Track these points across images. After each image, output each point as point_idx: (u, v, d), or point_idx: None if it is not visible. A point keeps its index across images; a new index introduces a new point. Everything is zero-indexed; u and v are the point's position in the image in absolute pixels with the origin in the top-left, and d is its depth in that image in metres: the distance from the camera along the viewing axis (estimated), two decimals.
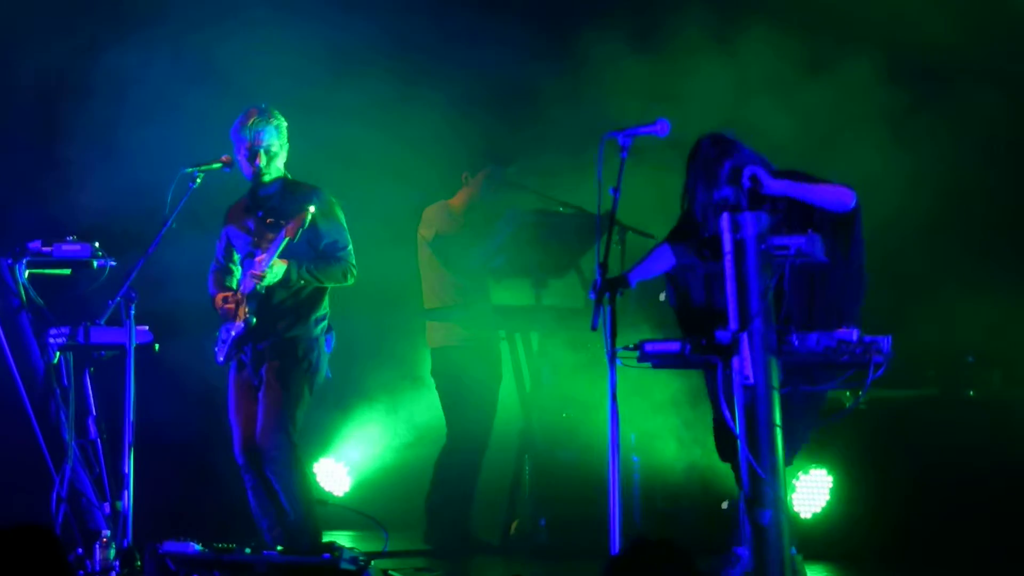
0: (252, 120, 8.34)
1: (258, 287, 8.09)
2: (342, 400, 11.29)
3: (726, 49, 10.32)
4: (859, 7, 10.72)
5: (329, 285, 8.32)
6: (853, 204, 6.90)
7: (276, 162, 8.38)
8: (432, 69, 11.23)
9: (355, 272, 8.39)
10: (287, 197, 8.34)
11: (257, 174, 8.35)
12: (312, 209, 8.07)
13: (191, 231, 8.68)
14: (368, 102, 10.94)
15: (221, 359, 8.41)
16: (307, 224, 8.03)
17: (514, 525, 10.27)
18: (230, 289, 8.46)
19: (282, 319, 8.29)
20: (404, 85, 11.08)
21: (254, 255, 8.30)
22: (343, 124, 10.78)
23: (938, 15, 10.30)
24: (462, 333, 10.14)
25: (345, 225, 8.42)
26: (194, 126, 10.09)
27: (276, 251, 8.05)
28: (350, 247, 8.38)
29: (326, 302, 8.42)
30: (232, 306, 8.30)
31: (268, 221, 8.29)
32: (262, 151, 8.32)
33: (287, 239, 8.01)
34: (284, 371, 8.26)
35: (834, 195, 6.89)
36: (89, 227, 8.78)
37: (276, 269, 8.08)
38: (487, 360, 10.22)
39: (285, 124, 8.43)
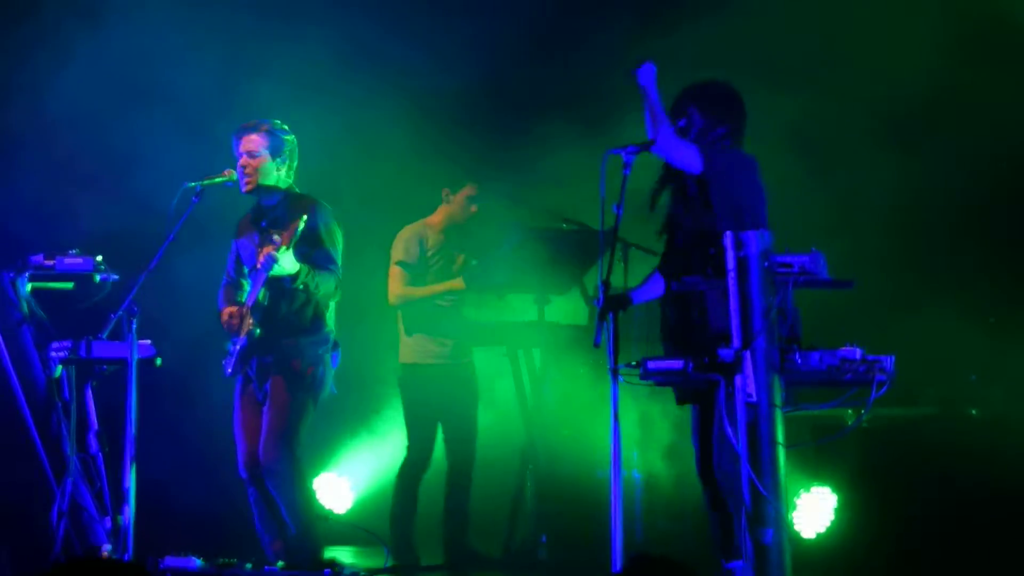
0: (242, 132, 8.41)
1: (268, 269, 8.03)
2: (345, 416, 11.29)
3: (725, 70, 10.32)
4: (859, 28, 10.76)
5: (320, 295, 8.29)
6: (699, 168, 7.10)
7: (271, 172, 8.40)
8: (429, 83, 11.24)
9: (342, 287, 8.42)
10: (289, 209, 8.36)
11: (246, 184, 8.39)
12: (304, 218, 8.06)
13: (195, 245, 8.69)
14: (367, 113, 10.96)
15: (229, 371, 8.41)
16: (299, 233, 8.01)
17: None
18: (237, 303, 8.46)
19: (287, 334, 8.29)
20: (402, 99, 11.10)
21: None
22: (346, 136, 10.79)
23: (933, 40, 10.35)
24: (434, 351, 10.13)
25: (340, 242, 8.43)
26: (198, 139, 10.11)
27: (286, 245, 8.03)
28: (340, 263, 8.40)
29: (330, 318, 8.43)
30: (237, 320, 8.31)
31: (270, 232, 8.30)
32: (246, 154, 8.37)
33: (283, 248, 7.99)
34: (288, 385, 8.27)
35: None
36: (92, 241, 8.78)
37: (288, 261, 8.04)
38: (457, 380, 10.18)
39: (285, 136, 8.45)
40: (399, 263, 10.07)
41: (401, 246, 10.12)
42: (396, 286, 10.07)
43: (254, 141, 8.40)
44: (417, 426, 10.17)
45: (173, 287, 9.34)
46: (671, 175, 7.29)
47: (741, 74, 9.82)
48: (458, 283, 10.08)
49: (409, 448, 10.18)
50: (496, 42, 11.33)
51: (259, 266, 8.07)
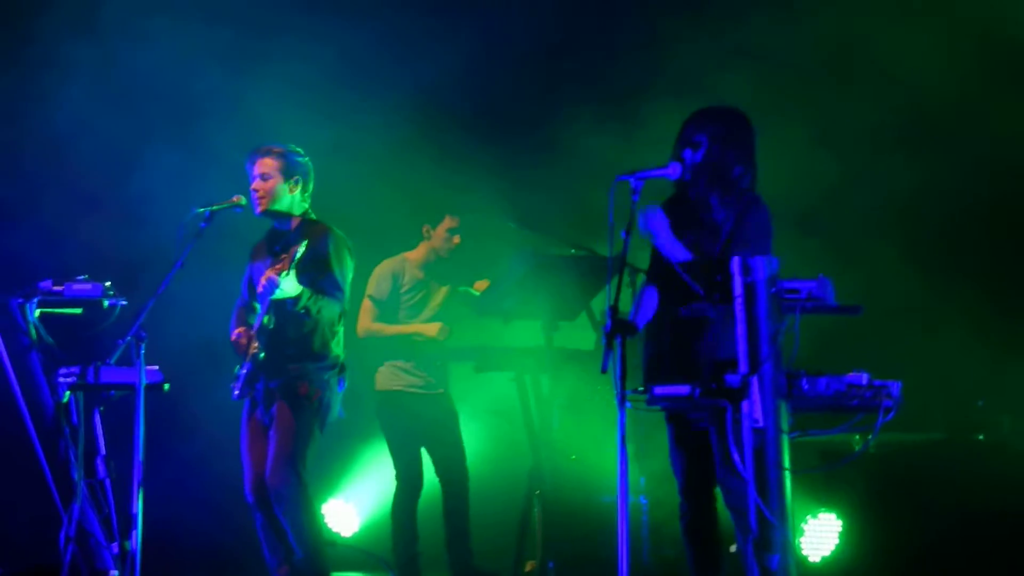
0: (255, 155, 8.42)
1: (270, 293, 8.04)
2: (351, 441, 11.30)
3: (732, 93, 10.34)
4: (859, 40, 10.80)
5: (323, 320, 8.28)
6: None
7: (283, 195, 8.40)
8: (449, 116, 11.28)
9: (345, 314, 8.41)
10: (301, 235, 8.35)
11: (258, 206, 8.40)
12: (305, 243, 8.06)
13: (207, 271, 8.70)
14: (367, 137, 11.00)
15: (236, 395, 8.40)
16: (298, 257, 8.01)
17: (529, 565, 10.23)
18: (247, 325, 8.46)
19: (293, 359, 8.29)
20: (406, 122, 11.13)
21: None
22: (346, 163, 10.81)
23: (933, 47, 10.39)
24: (407, 379, 10.17)
25: (350, 270, 8.43)
26: (208, 164, 10.14)
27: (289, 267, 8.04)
28: (346, 290, 8.40)
29: (337, 343, 8.43)
30: (245, 340, 8.31)
31: (280, 256, 8.31)
32: (261, 181, 8.37)
33: (284, 272, 8.00)
34: (294, 410, 8.26)
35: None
36: (100, 266, 8.79)
37: (289, 284, 8.05)
38: (432, 408, 10.20)
39: (299, 159, 8.45)
40: (370, 297, 10.18)
41: (374, 281, 10.22)
42: (364, 320, 10.19)
43: (267, 164, 8.41)
44: (401, 452, 10.23)
45: (181, 311, 9.35)
46: (688, 204, 7.27)
47: (748, 85, 9.91)
48: (430, 329, 10.12)
49: (398, 476, 10.23)
50: (502, 60, 11.38)
51: (260, 289, 8.09)
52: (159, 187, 10.34)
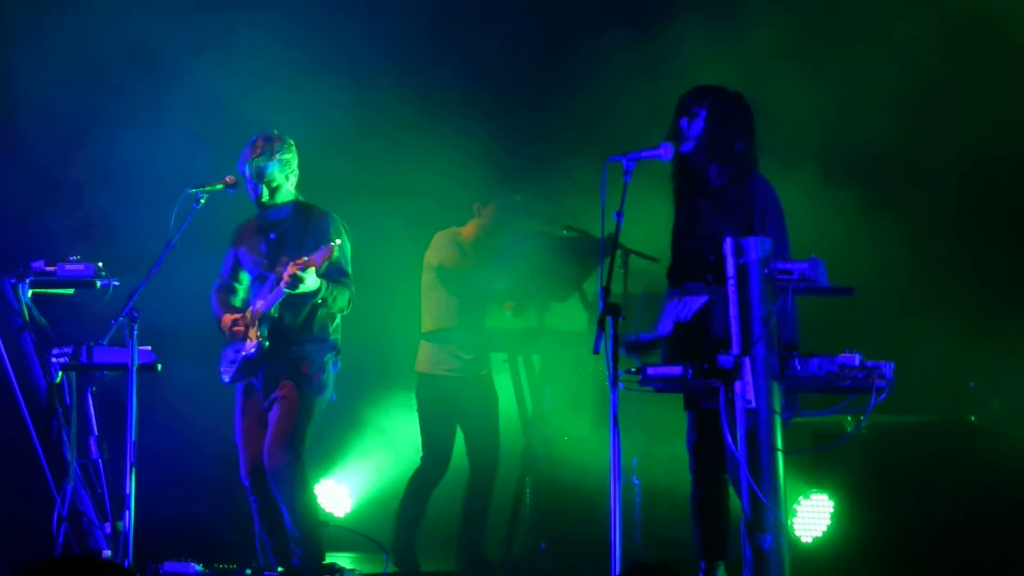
0: (255, 154, 8.36)
1: (293, 288, 8.04)
2: (344, 422, 11.29)
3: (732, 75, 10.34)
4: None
5: (335, 309, 8.31)
6: None
7: (283, 190, 8.40)
8: (440, 96, 11.25)
9: (355, 300, 8.42)
10: (299, 220, 8.36)
11: (262, 205, 8.39)
12: (339, 242, 8.08)
13: (196, 251, 8.68)
14: (374, 126, 10.98)
15: (227, 380, 8.40)
16: (334, 258, 8.04)
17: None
18: (237, 310, 8.46)
19: (294, 342, 8.30)
20: (412, 112, 11.12)
21: (265, 278, 8.33)
22: (348, 147, 10.80)
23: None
24: (451, 362, 10.11)
25: (349, 251, 8.43)
26: (199, 146, 10.12)
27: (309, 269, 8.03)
28: (351, 275, 8.40)
29: (336, 325, 8.43)
30: (242, 328, 8.30)
31: (280, 244, 8.32)
32: (264, 185, 8.36)
33: (312, 268, 7.99)
34: (296, 391, 8.27)
35: None
36: (92, 247, 8.79)
37: (312, 279, 8.06)
38: (471, 391, 10.15)
39: (292, 152, 8.43)
40: (439, 267, 10.03)
41: (439, 250, 10.05)
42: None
43: (267, 171, 8.35)
44: (430, 435, 10.16)
45: (173, 292, 9.34)
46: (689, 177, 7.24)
47: (743, 80, 9.89)
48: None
49: (423, 457, 10.18)
50: (501, 48, 11.37)
51: (283, 285, 8.06)
52: (153, 167, 10.34)
